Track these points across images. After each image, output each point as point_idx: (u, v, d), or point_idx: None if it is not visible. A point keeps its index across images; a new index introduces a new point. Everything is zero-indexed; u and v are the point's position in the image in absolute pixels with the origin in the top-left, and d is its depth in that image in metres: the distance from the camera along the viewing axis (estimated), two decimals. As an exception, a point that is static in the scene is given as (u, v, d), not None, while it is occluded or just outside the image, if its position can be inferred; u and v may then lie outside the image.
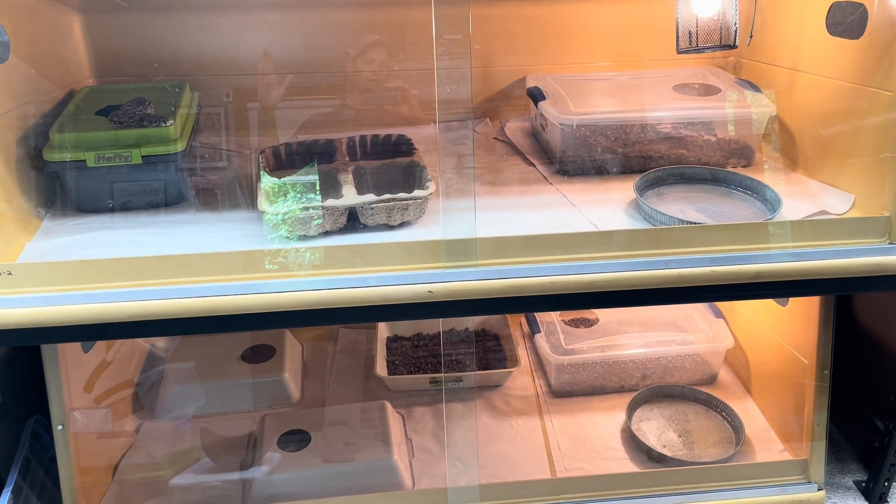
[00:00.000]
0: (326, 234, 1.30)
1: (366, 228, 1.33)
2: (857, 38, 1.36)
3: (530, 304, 1.28)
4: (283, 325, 1.63)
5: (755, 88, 1.63)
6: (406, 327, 2.04)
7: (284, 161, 1.51)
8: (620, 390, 1.86)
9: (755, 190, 1.45)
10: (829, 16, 1.44)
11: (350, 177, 1.38)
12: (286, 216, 1.27)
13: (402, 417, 1.77)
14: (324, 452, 1.58)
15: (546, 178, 1.57)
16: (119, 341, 1.77)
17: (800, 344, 1.60)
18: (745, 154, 1.60)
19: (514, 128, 1.81)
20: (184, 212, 1.41)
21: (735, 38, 1.44)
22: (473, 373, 1.81)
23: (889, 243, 1.29)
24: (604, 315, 1.98)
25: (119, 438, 1.68)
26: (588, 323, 1.95)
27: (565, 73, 1.78)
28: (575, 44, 1.85)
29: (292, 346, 1.96)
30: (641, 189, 1.46)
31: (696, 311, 1.97)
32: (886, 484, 1.61)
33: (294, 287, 1.20)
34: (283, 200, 1.31)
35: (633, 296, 1.29)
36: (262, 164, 1.42)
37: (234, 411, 1.78)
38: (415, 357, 1.94)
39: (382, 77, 1.74)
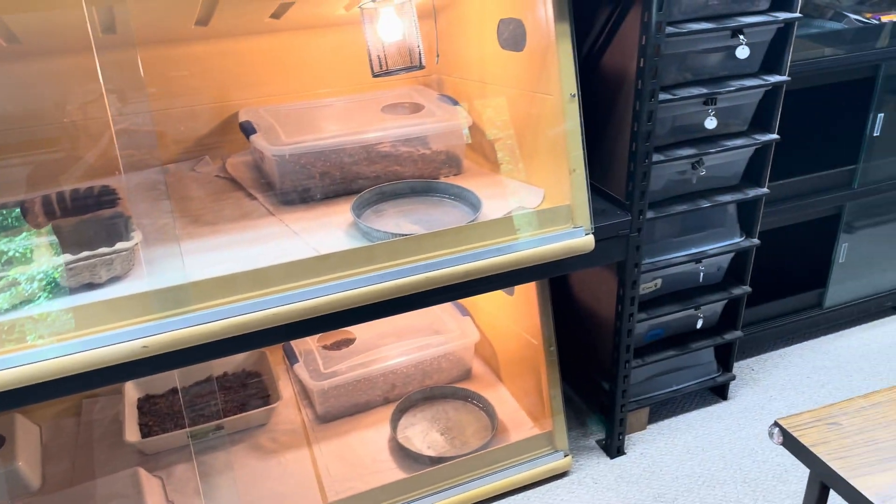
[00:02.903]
0: (27, 302, 1.19)
1: (73, 290, 1.24)
2: (521, 50, 1.53)
3: (258, 339, 1.27)
4: None
5: (454, 102, 1.77)
6: (158, 384, 1.92)
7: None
8: (386, 402, 1.91)
9: (460, 196, 1.58)
10: (498, 32, 1.60)
11: (43, 239, 1.28)
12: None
13: (161, 480, 1.67)
14: (70, 539, 1.45)
15: (269, 210, 1.57)
16: None
17: (529, 327, 1.76)
18: (454, 163, 1.73)
19: (237, 162, 1.80)
20: None
21: (420, 60, 1.55)
22: (229, 419, 1.76)
23: (573, 227, 1.47)
24: (360, 332, 2.02)
25: None
26: (346, 343, 1.98)
27: (279, 104, 1.80)
28: (293, 74, 1.88)
29: (26, 430, 1.77)
30: (359, 209, 1.52)
31: (444, 312, 2.08)
32: (620, 437, 1.82)
33: (-18, 370, 1.09)
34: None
35: (357, 313, 1.33)
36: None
37: (-41, 519, 1.57)
38: (171, 414, 1.84)
39: (79, 127, 1.63)
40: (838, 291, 2.18)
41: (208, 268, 1.28)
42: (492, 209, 1.53)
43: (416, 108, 1.77)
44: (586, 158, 1.46)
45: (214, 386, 1.82)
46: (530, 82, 1.52)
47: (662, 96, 1.53)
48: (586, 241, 1.48)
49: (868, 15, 2.03)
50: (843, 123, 2.04)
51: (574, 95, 1.42)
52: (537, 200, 1.56)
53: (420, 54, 1.56)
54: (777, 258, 2.10)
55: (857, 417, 1.10)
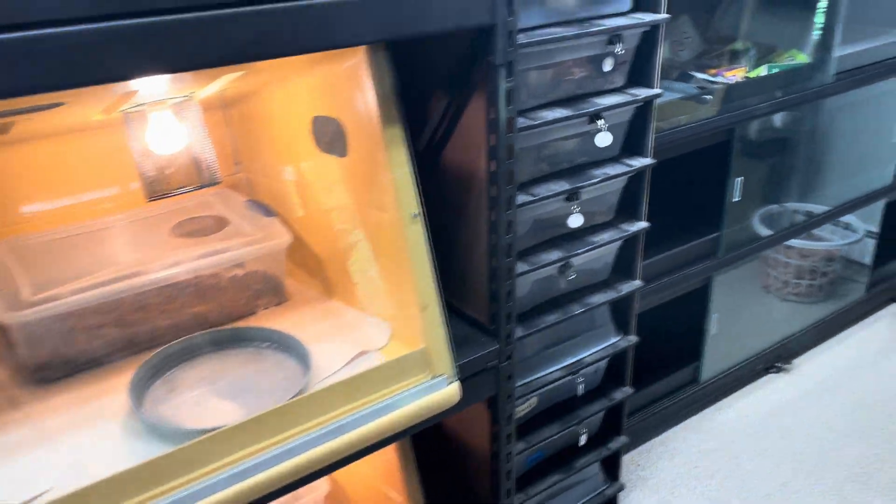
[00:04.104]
0: None
1: None
2: (344, 156, 1.21)
3: None
4: None
5: (268, 212, 1.41)
6: None
7: None
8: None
9: (283, 344, 1.22)
10: (314, 130, 1.27)
11: None
12: None
13: None
14: None
15: (13, 399, 1.13)
16: None
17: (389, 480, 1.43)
18: (274, 290, 1.37)
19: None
20: None
21: (213, 174, 1.19)
22: None
23: (432, 378, 1.16)
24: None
25: None
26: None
27: (25, 234, 1.35)
28: (44, 188, 1.43)
29: None
30: (143, 385, 1.12)
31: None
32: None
33: None
34: None
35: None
36: None
37: None
38: None
39: None
40: (713, 363, 2.04)
41: None
42: (326, 357, 1.19)
43: (220, 224, 1.40)
44: (440, 289, 1.16)
45: None
46: (361, 195, 1.21)
47: (521, 198, 1.27)
48: (450, 393, 1.17)
49: (712, 71, 1.92)
50: (703, 191, 1.91)
51: (416, 215, 1.12)
52: (383, 338, 1.24)
53: (211, 166, 1.19)
54: (648, 339, 1.93)
55: None
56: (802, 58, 2.03)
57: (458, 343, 1.27)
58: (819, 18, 2.08)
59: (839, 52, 1.89)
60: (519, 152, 1.27)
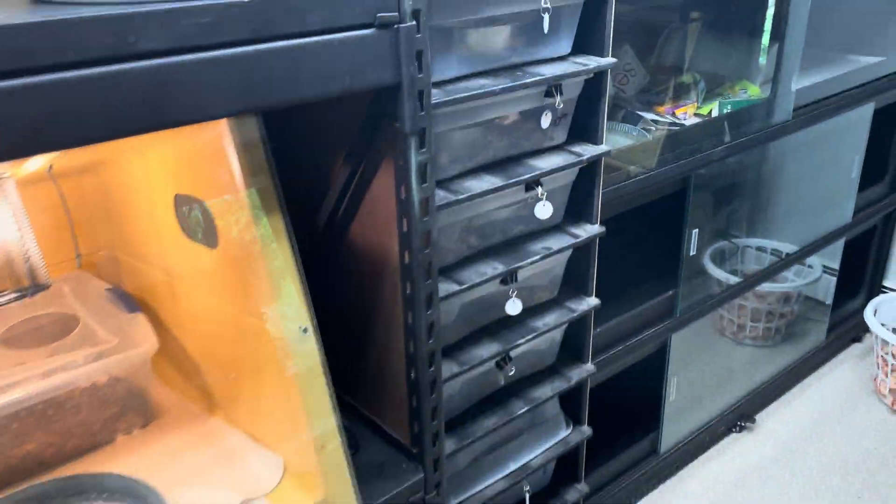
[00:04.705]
0: None
1: None
2: (214, 247, 0.94)
3: None
4: None
5: (132, 306, 1.12)
6: None
7: None
8: None
9: (133, 495, 0.94)
10: (177, 213, 1.00)
11: None
12: None
13: None
14: None
15: None
16: None
17: None
18: (139, 409, 1.08)
19: None
20: None
21: (37, 276, 0.90)
22: None
23: (334, 537, 0.90)
24: None
25: None
26: None
27: None
28: None
29: None
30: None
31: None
32: None
33: None
34: None
35: None
36: None
37: None
38: None
39: None
40: (672, 431, 1.83)
41: None
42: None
43: (66, 326, 1.10)
44: (340, 424, 0.90)
45: None
46: (238, 299, 0.94)
47: (444, 286, 1.02)
48: (358, 554, 0.91)
49: (660, 109, 1.72)
50: (656, 243, 1.70)
51: (306, 331, 0.86)
52: (273, 478, 0.97)
53: (35, 267, 0.91)
54: (599, 412, 1.70)
55: None
56: (755, 90, 1.85)
57: (375, 472, 1.01)
58: (765, 41, 1.91)
59: (797, 84, 1.71)
60: (442, 229, 1.02)
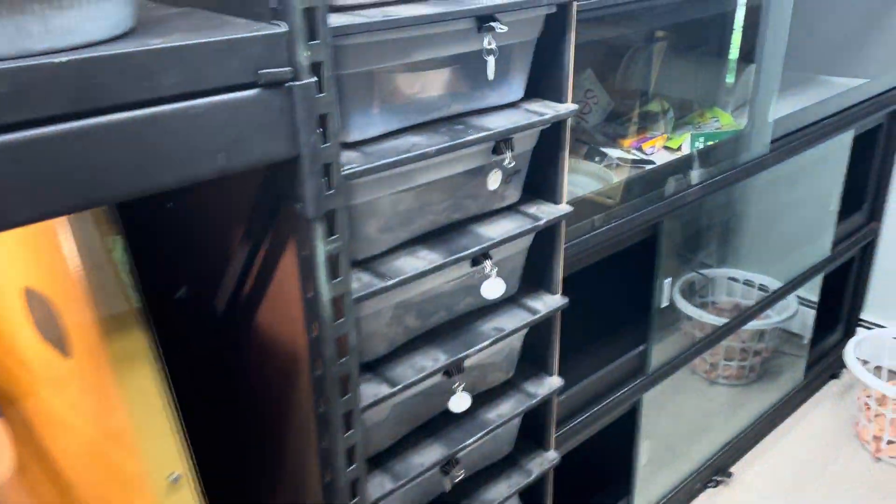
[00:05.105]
0: None
1: None
2: (68, 356, 0.74)
3: None
4: None
5: (-12, 412, 0.91)
6: None
7: None
8: None
9: None
10: (29, 307, 0.79)
11: None
12: None
13: None
14: None
15: None
16: None
17: None
18: (-6, 545, 0.87)
19: None
20: None
21: None
22: None
23: None
24: None
25: None
26: None
27: None
28: None
29: None
30: None
31: None
32: None
33: None
34: None
35: None
36: None
37: None
38: None
39: None
40: (645, 496, 1.66)
41: None
42: None
43: None
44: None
45: None
46: (95, 424, 0.73)
47: (373, 390, 0.83)
48: None
49: (626, 143, 1.55)
50: (624, 294, 1.53)
51: (177, 479, 0.66)
52: None
53: None
54: (568, 478, 1.52)
55: None
56: (727, 119, 1.69)
57: None
58: (733, 64, 1.77)
59: (774, 114, 1.56)
60: (369, 315, 0.83)
